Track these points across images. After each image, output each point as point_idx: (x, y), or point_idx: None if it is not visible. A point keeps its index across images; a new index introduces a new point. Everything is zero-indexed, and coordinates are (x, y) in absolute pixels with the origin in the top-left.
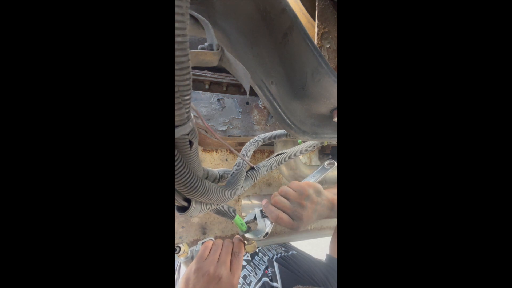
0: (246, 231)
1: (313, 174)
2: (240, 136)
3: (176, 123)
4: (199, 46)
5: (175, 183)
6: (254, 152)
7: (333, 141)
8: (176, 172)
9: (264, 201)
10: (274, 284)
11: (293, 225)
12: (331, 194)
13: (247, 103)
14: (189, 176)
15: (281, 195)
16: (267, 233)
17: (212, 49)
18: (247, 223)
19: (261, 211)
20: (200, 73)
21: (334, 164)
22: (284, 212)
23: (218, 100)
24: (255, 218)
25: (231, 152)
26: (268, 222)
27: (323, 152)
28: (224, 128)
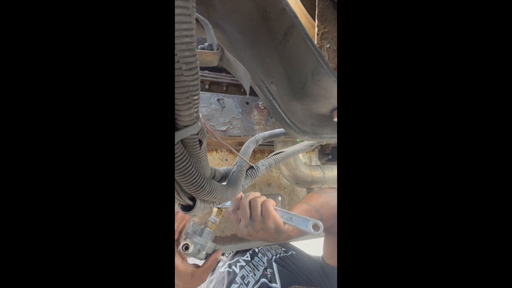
0: None
1: (291, 217)
2: (240, 136)
3: (185, 123)
4: (199, 46)
5: (183, 183)
6: (254, 152)
7: (333, 141)
8: (184, 172)
9: (240, 195)
10: (273, 285)
11: (236, 229)
12: (292, 228)
13: (247, 103)
14: (197, 175)
15: (249, 203)
16: (220, 209)
17: (212, 49)
18: None
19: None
20: (200, 73)
21: (319, 228)
22: (240, 217)
23: (218, 100)
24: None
25: (231, 152)
26: (227, 205)
27: (323, 152)
28: (224, 128)
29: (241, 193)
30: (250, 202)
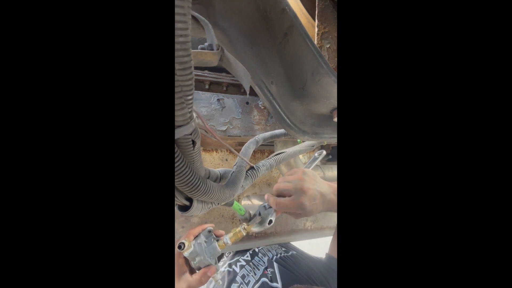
0: (245, 216)
1: (306, 165)
2: (240, 136)
3: (178, 123)
4: (199, 46)
5: (177, 183)
6: (254, 152)
7: (333, 141)
8: (178, 172)
9: (266, 195)
10: (274, 284)
11: (295, 203)
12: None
13: (247, 103)
14: (191, 175)
15: (277, 188)
16: (271, 220)
17: (212, 49)
18: (252, 217)
19: (264, 206)
20: (200, 73)
21: (322, 152)
22: (286, 192)
23: (218, 100)
24: (259, 214)
25: (231, 152)
26: (271, 211)
27: None
28: (224, 128)
29: (268, 194)
30: (276, 188)
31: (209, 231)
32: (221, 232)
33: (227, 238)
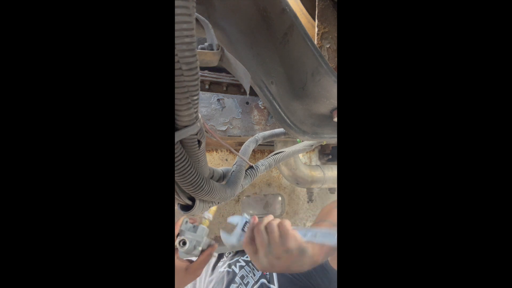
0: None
1: (316, 233)
2: (240, 136)
3: (185, 123)
4: (199, 46)
5: (182, 183)
6: (254, 152)
7: (333, 141)
8: (183, 172)
9: (252, 220)
10: (271, 286)
11: (254, 259)
12: (317, 249)
13: (247, 103)
14: (196, 176)
15: (265, 228)
16: (232, 251)
17: (212, 49)
18: (229, 223)
19: (245, 223)
20: (200, 73)
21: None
22: (257, 243)
23: (218, 100)
24: (236, 224)
25: (231, 152)
26: (242, 238)
27: (323, 152)
28: (224, 128)
29: (256, 217)
30: (266, 227)
31: (187, 222)
32: (194, 218)
33: (207, 214)
